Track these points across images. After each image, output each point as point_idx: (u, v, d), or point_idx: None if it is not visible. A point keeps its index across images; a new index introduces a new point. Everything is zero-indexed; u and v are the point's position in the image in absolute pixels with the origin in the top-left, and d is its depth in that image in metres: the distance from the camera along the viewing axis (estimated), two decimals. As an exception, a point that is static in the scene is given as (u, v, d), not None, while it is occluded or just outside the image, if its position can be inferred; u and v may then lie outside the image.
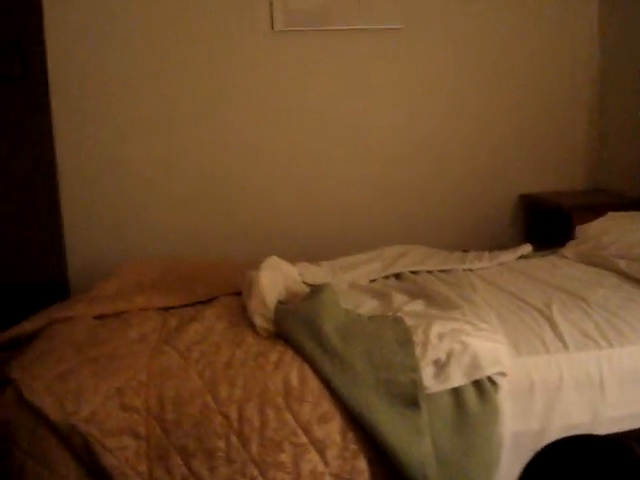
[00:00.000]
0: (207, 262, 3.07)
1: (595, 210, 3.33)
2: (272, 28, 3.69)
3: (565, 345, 2.09)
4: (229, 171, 3.82)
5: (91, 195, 3.69)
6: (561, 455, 0.87)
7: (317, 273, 2.78)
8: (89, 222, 3.72)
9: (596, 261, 2.89)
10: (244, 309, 2.32)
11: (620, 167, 3.97)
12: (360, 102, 3.89)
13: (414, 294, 2.51)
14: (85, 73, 3.58)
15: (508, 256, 3.05)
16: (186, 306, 2.49)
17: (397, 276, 2.84)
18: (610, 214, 3.18)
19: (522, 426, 2.00)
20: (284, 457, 1.88)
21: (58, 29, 3.50)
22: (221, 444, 1.87)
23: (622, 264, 2.73)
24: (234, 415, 1.89)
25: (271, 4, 3.65)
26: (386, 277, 2.82)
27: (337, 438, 1.90)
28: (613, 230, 2.97)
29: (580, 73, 4.08)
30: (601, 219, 3.14)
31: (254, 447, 1.87)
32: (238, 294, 2.50)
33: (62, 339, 2.17)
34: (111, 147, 3.68)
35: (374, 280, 2.79)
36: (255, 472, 1.87)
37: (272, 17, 3.67)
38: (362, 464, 1.90)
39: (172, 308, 2.48)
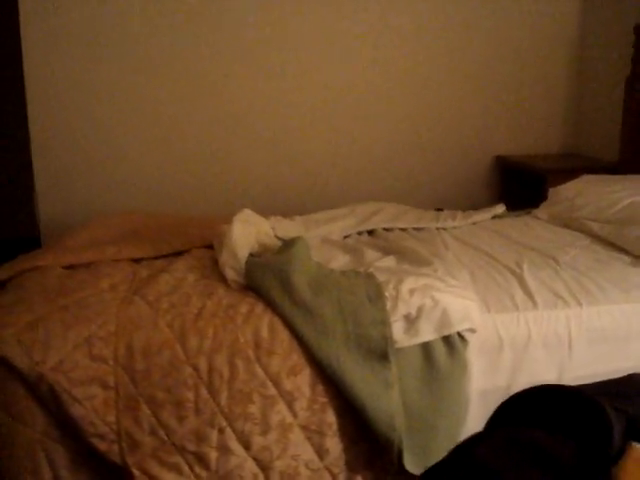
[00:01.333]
0: (180, 216, 3.05)
1: (569, 173, 3.34)
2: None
3: (534, 303, 2.11)
4: (203, 128, 3.77)
5: (63, 149, 3.62)
6: (526, 404, 0.87)
7: (290, 227, 2.77)
8: (61, 177, 3.65)
9: (568, 223, 2.91)
10: (216, 262, 2.30)
11: (595, 132, 3.99)
12: (339, 57, 3.84)
13: (386, 250, 2.51)
14: (57, 33, 3.48)
15: (482, 216, 3.06)
16: (157, 258, 2.47)
17: (370, 233, 2.84)
18: (584, 177, 3.20)
19: (490, 382, 2.02)
20: (253, 408, 1.88)
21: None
22: (190, 395, 1.87)
23: (594, 226, 2.75)
24: (203, 366, 1.88)
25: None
26: (359, 233, 2.82)
27: (306, 390, 1.91)
28: (586, 193, 2.99)
29: (558, 38, 4.07)
30: (575, 181, 3.15)
31: (223, 398, 1.88)
32: (210, 247, 2.48)
33: (32, 288, 2.15)
34: (83, 102, 3.60)
35: (347, 236, 2.79)
36: (224, 423, 1.87)
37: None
38: (330, 416, 1.92)
39: (143, 260, 2.46)
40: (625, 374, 1.01)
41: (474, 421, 1.96)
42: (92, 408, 1.81)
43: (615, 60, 3.71)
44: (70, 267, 2.37)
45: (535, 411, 0.84)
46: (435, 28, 3.92)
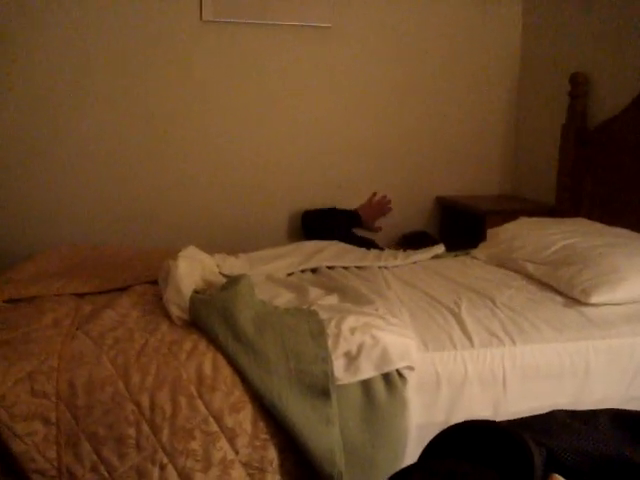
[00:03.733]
0: (125, 250, 3.05)
1: (507, 215, 3.46)
2: (201, 18, 3.68)
3: (471, 342, 2.17)
4: (151, 161, 3.79)
5: (6, 182, 3.61)
6: (456, 438, 0.92)
7: (234, 264, 2.80)
8: (4, 209, 3.63)
9: (506, 263, 3.00)
10: (160, 298, 2.31)
11: (533, 176, 4.13)
12: (286, 98, 3.92)
13: (329, 288, 2.55)
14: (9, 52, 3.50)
15: (422, 255, 3.14)
16: (101, 293, 2.47)
17: (314, 271, 2.88)
18: (521, 219, 3.30)
19: (428, 418, 2.07)
20: (195, 445, 1.89)
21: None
22: (132, 431, 1.87)
23: (529, 267, 2.85)
24: (146, 403, 1.89)
25: (200, -6, 3.64)
26: (303, 271, 2.87)
27: (248, 427, 1.93)
28: (523, 234, 3.08)
29: (498, 84, 4.22)
30: (512, 223, 3.25)
31: (165, 435, 1.88)
32: (154, 283, 2.49)
33: (-28, 322, 2.13)
34: (36, 132, 3.60)
35: (291, 274, 2.83)
36: (165, 459, 1.88)
37: (201, 7, 3.66)
38: (272, 453, 1.93)
39: (87, 294, 2.45)
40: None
41: (413, 456, 2.00)
42: (33, 444, 1.80)
43: (552, 107, 3.87)
44: (13, 301, 2.36)
45: (463, 445, 0.90)
46: (382, 75, 4.03)
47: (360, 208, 4.03)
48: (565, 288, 2.59)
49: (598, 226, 3.05)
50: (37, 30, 3.49)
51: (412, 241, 3.87)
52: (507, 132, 4.29)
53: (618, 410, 0.98)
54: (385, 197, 4.09)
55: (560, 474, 0.85)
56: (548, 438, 0.89)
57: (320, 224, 3.80)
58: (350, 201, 4.06)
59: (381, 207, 4.09)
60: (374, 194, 4.08)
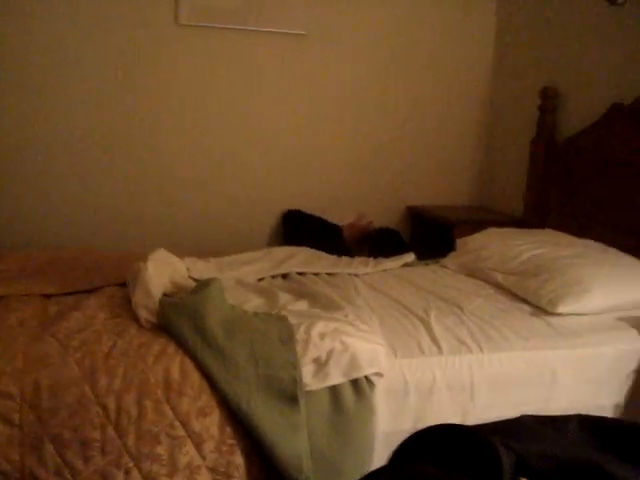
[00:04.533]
0: (93, 252, 3.02)
1: (477, 225, 3.49)
2: (176, 21, 3.67)
3: (439, 349, 2.18)
4: (123, 164, 3.76)
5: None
6: (425, 442, 0.92)
7: (204, 269, 2.79)
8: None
9: (474, 272, 3.03)
10: (128, 300, 2.30)
11: (502, 187, 4.17)
12: (260, 104, 3.91)
13: (299, 294, 2.55)
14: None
15: (392, 263, 3.15)
16: (68, 294, 2.44)
17: (284, 276, 2.88)
18: (490, 229, 3.33)
19: (395, 425, 2.08)
20: (160, 449, 1.88)
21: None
22: (97, 435, 1.85)
23: (498, 277, 2.87)
24: (112, 406, 1.87)
25: (176, -3, 3.63)
26: (273, 277, 2.86)
27: (215, 432, 1.92)
28: (492, 244, 3.11)
29: (470, 97, 4.25)
30: (481, 233, 3.28)
31: (130, 439, 1.87)
32: (123, 285, 2.47)
33: None
34: (12, 132, 3.56)
35: (262, 279, 2.82)
36: (130, 464, 1.86)
37: (177, 11, 3.64)
38: (239, 458, 1.93)
39: (54, 296, 2.43)
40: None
41: (380, 463, 2.00)
42: (-5, 445, 1.77)
43: (522, 120, 3.92)
44: (-23, 301, 2.32)
45: (432, 448, 0.90)
46: (355, 83, 4.05)
47: (345, 226, 4.02)
48: (532, 298, 2.63)
49: (565, 237, 3.09)
50: (21, 33, 3.46)
51: (380, 238, 3.91)
52: (478, 144, 4.33)
53: (586, 416, 0.99)
54: (371, 222, 4.08)
55: (528, 478, 0.86)
56: (517, 442, 0.89)
57: (302, 226, 3.80)
58: (322, 208, 4.07)
59: (364, 230, 4.08)
60: (361, 216, 4.08)
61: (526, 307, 2.61)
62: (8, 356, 1.89)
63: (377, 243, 3.93)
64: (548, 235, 3.17)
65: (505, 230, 3.33)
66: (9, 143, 3.57)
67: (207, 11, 3.69)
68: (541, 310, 2.55)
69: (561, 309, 2.50)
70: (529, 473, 0.87)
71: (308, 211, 3.99)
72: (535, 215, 3.68)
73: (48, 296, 2.41)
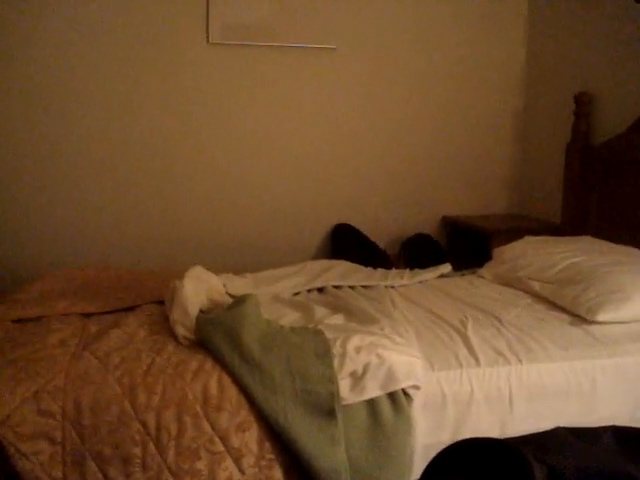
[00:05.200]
0: (132, 271, 3.06)
1: (513, 234, 3.46)
2: (207, 41, 3.72)
3: (477, 361, 2.16)
4: (160, 181, 3.82)
5: (14, 203, 3.64)
6: (458, 456, 0.92)
7: (240, 284, 2.81)
8: (11, 230, 3.66)
9: (511, 282, 3.00)
10: (166, 318, 2.32)
11: (539, 195, 4.14)
12: (291, 119, 3.95)
13: (335, 308, 2.56)
14: (16, 77, 3.54)
15: (428, 275, 3.14)
16: (108, 313, 2.48)
17: (320, 290, 2.89)
18: (526, 238, 3.30)
19: (434, 438, 2.06)
20: (200, 465, 1.89)
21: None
22: (137, 451, 1.87)
23: (536, 286, 2.84)
24: (152, 422, 1.89)
25: (207, 17, 3.68)
26: (309, 291, 2.87)
27: (254, 447, 1.92)
28: (529, 253, 3.09)
29: (504, 103, 4.24)
30: (518, 242, 3.25)
31: (170, 455, 1.88)
32: (161, 303, 2.50)
33: (-21, 342, 2.14)
34: (41, 152, 3.64)
35: (297, 293, 2.83)
36: (171, 479, 1.88)
37: (208, 29, 3.70)
38: (277, 473, 1.93)
39: (93, 314, 2.46)
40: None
41: (418, 476, 2.00)
42: (39, 463, 1.81)
43: (557, 126, 3.89)
44: (19, 321, 2.37)
45: (466, 462, 0.90)
46: (387, 95, 4.06)
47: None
48: (571, 306, 2.59)
49: (604, 244, 3.05)
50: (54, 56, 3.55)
51: (414, 245, 3.89)
52: (513, 151, 4.31)
53: (621, 427, 0.98)
54: None
55: (562, 492, 0.85)
56: (550, 455, 0.89)
57: (351, 244, 3.80)
58: (357, 220, 4.08)
59: None
60: None
61: (565, 316, 2.57)
62: (49, 375, 1.92)
63: (412, 248, 3.91)
64: (587, 242, 3.13)
65: (542, 238, 3.30)
66: (42, 162, 3.66)
67: (237, 29, 3.74)
68: (580, 319, 2.52)
69: (601, 317, 2.46)
70: (564, 487, 0.86)
71: (356, 226, 4.00)
72: (573, 222, 3.65)
73: (88, 315, 2.45)
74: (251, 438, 1.93)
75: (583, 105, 3.59)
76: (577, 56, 3.74)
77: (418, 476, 2.00)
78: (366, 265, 3.28)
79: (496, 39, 4.16)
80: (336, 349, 2.08)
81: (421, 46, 4.06)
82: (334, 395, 1.97)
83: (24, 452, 1.79)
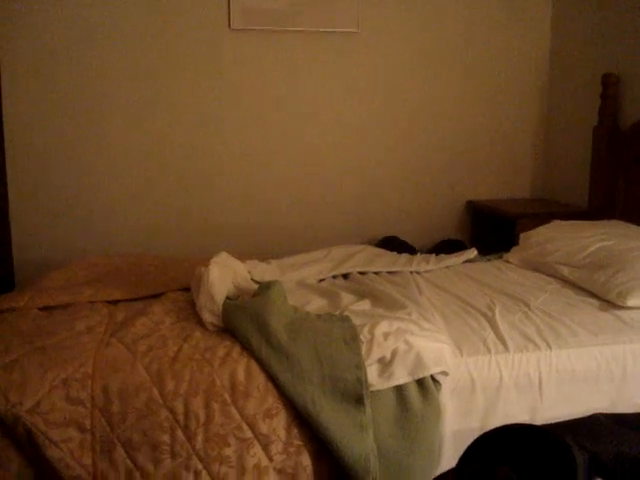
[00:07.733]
0: (157, 259, 3.06)
1: (539, 218, 3.43)
2: (229, 26, 3.71)
3: (506, 346, 2.15)
4: (182, 170, 3.82)
5: (39, 193, 3.67)
6: (496, 442, 0.91)
7: (266, 271, 2.80)
8: (36, 219, 3.69)
9: (539, 267, 2.97)
10: (193, 305, 2.32)
11: (565, 178, 4.09)
12: (314, 104, 3.93)
13: (361, 294, 2.54)
14: (37, 68, 3.56)
15: (454, 260, 3.11)
16: (134, 300, 2.48)
17: (345, 276, 2.87)
18: (554, 222, 3.27)
19: (463, 424, 2.05)
20: (229, 451, 1.89)
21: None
22: (166, 438, 1.87)
23: (564, 270, 2.81)
24: (180, 409, 1.89)
25: (229, 3, 3.66)
26: (334, 277, 2.86)
27: (282, 433, 1.92)
28: (556, 238, 3.05)
29: (528, 85, 4.19)
30: (545, 226, 3.22)
31: (199, 441, 1.88)
32: (187, 290, 2.50)
33: (7, 330, 2.15)
34: (61, 141, 3.65)
35: (323, 279, 2.82)
36: (199, 466, 1.88)
37: (230, 15, 3.68)
38: (306, 459, 1.93)
39: (120, 302, 2.47)
40: (591, 415, 1.05)
41: (448, 462, 1.99)
42: (68, 450, 1.81)
43: (583, 109, 3.83)
44: (46, 308, 2.38)
45: (504, 449, 0.88)
46: (412, 79, 4.03)
47: None
48: (601, 291, 2.56)
49: (633, 228, 3.01)
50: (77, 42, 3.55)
51: (446, 248, 3.85)
52: (538, 135, 4.25)
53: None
54: None
55: (604, 478, 0.83)
56: (591, 442, 0.87)
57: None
58: (380, 207, 4.06)
59: None
60: None
61: (594, 301, 2.54)
62: (78, 363, 1.93)
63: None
64: (616, 226, 3.09)
65: (570, 222, 3.26)
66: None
67: (258, 14, 3.72)
68: (610, 303, 2.49)
69: (631, 302, 2.43)
70: (604, 473, 0.84)
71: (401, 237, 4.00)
72: (600, 206, 3.60)
73: (115, 302, 2.46)
74: (279, 425, 1.92)
75: (610, 87, 3.52)
76: (603, 36, 3.67)
77: (447, 462, 2.00)
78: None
79: (521, 21, 4.10)
80: (364, 335, 2.07)
81: (444, 29, 4.02)
82: (362, 382, 1.95)
83: (54, 440, 1.80)
